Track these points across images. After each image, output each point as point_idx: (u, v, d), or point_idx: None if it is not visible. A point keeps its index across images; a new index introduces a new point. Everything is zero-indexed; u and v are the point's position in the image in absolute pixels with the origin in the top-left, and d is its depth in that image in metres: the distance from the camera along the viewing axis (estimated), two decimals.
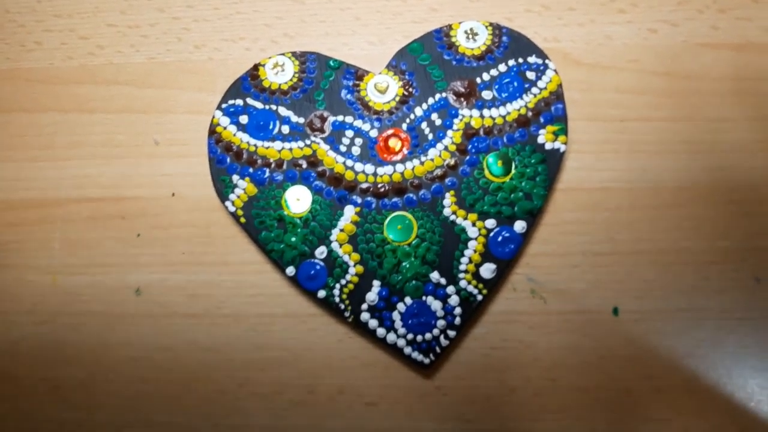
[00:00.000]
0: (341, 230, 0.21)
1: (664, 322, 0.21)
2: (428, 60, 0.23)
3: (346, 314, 0.21)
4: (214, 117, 0.23)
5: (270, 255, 0.21)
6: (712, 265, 0.21)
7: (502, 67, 0.22)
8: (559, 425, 0.20)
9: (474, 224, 0.21)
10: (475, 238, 0.21)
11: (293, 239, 0.21)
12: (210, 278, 0.23)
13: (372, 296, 0.21)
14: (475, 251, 0.21)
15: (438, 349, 0.20)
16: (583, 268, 0.22)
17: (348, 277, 0.21)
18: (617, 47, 0.24)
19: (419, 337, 0.20)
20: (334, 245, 0.21)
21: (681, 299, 0.21)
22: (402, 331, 0.20)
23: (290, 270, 0.21)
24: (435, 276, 0.21)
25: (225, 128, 0.22)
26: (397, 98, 0.22)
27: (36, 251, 0.23)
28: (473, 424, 0.21)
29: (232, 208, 0.22)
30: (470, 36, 0.23)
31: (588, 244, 0.22)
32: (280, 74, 0.23)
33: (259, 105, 0.23)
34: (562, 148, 0.21)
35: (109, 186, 0.24)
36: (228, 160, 0.22)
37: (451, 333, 0.20)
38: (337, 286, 0.21)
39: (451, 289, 0.21)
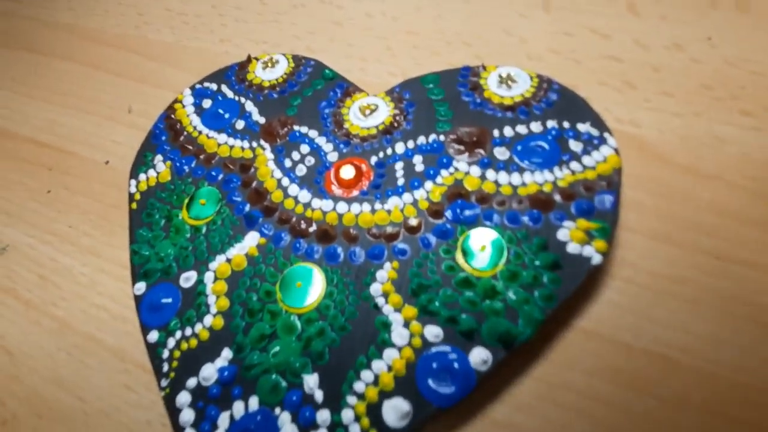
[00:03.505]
0: (227, 260, 0.15)
1: None
2: (440, 95, 0.17)
3: (164, 383, 0.13)
4: (181, 93, 0.20)
5: (131, 258, 0.15)
6: None
7: (536, 127, 0.15)
8: None
9: (407, 324, 0.13)
10: (399, 348, 0.12)
11: (168, 248, 0.15)
12: (71, 264, 0.17)
13: (209, 372, 0.13)
14: (389, 369, 0.12)
15: None
16: None
17: (198, 327, 0.14)
18: (731, 154, 0.15)
19: None
20: (208, 276, 0.14)
21: None
22: None
23: (139, 287, 0.15)
24: (311, 381, 0.12)
25: (184, 107, 0.19)
26: (382, 126, 0.17)
27: None
28: None
29: (133, 189, 0.17)
30: (505, 81, 0.17)
31: None
32: (269, 71, 0.19)
33: (229, 94, 0.19)
34: (597, 258, 0.13)
35: (62, 136, 0.22)
36: (165, 138, 0.18)
37: None
38: (178, 334, 0.13)
39: (324, 415, 0.12)
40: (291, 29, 0.24)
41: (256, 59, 0.20)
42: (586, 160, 0.14)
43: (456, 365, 0.12)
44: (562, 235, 0.13)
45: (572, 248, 0.13)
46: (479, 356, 0.12)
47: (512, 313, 0.12)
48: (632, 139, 0.16)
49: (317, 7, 0.24)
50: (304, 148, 0.17)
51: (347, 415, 0.12)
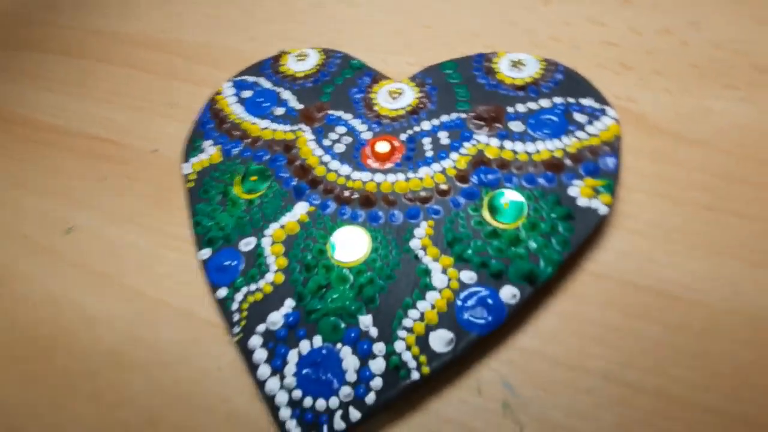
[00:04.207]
0: (282, 227, 0.17)
1: None
2: (458, 79, 0.19)
3: (236, 329, 0.15)
4: (221, 86, 0.22)
5: (195, 229, 0.17)
6: None
7: (545, 102, 0.18)
8: None
9: (445, 270, 0.15)
10: (440, 290, 0.14)
11: (227, 219, 0.17)
12: (134, 240, 0.19)
13: (276, 317, 0.15)
14: (433, 307, 0.14)
15: None
16: (599, 400, 0.13)
17: (261, 283, 0.16)
18: (719, 124, 0.18)
19: (308, 401, 0.13)
20: (266, 241, 0.16)
21: None
22: (290, 381, 0.14)
23: (205, 252, 0.17)
24: (366, 321, 0.14)
25: (225, 97, 0.21)
26: (409, 107, 0.19)
27: (18, 169, 0.23)
28: None
29: (188, 170, 0.19)
30: (516, 65, 0.19)
31: (618, 365, 0.14)
32: (301, 63, 0.21)
33: (267, 85, 0.21)
34: (603, 210, 0.15)
35: (116, 131, 0.24)
36: (211, 125, 0.20)
37: (354, 415, 0.13)
38: (244, 289, 0.16)
39: (379, 347, 0.14)
40: (314, 27, 0.26)
41: (288, 53, 0.22)
42: (590, 129, 0.17)
43: (489, 301, 0.14)
44: (572, 191, 0.15)
45: (582, 202, 0.15)
46: (509, 293, 0.14)
47: (534, 257, 0.14)
48: (629, 114, 0.19)
49: (335, 6, 0.27)
50: (341, 129, 0.19)
51: (399, 345, 0.14)
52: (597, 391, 0.13)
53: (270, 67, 0.22)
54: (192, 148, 0.20)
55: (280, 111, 0.20)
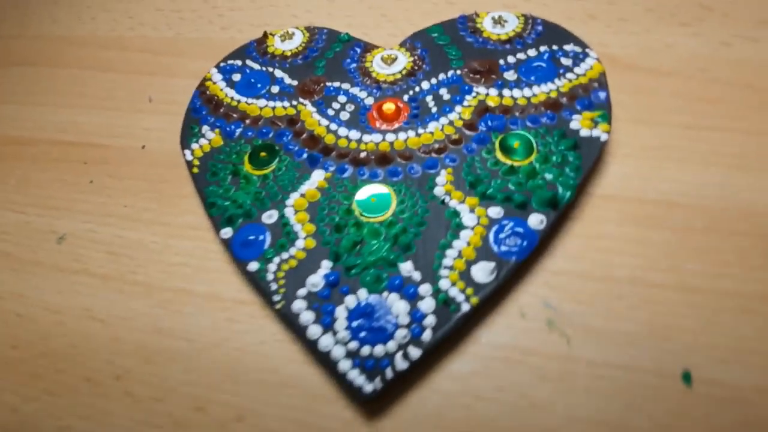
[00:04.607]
0: (301, 195, 0.17)
1: (762, 407, 0.12)
2: (447, 40, 0.20)
3: (276, 298, 0.15)
4: (208, 72, 0.21)
5: (209, 211, 0.17)
6: None
7: (532, 52, 0.19)
8: None
9: (473, 210, 0.15)
10: (472, 227, 0.15)
11: (242, 196, 0.17)
12: (139, 237, 0.18)
13: (316, 279, 0.15)
14: (468, 243, 0.15)
15: (390, 374, 0.13)
16: (630, 302, 0.14)
17: (292, 251, 0.16)
18: (681, 55, 0.20)
19: (366, 349, 0.13)
20: (288, 210, 0.16)
21: None
22: (344, 334, 0.14)
23: (226, 232, 0.16)
24: (407, 267, 0.15)
25: (215, 83, 0.21)
26: (404, 71, 0.19)
27: None
28: None
29: (189, 157, 0.18)
30: (498, 22, 0.20)
31: (641, 269, 0.15)
32: (287, 42, 0.21)
33: (256, 66, 0.21)
34: (603, 136, 0.16)
35: (88, 132, 0.22)
36: (205, 111, 0.20)
37: (414, 353, 0.13)
38: (276, 260, 0.15)
39: (425, 288, 0.14)
40: (287, 10, 0.26)
41: (273, 34, 0.22)
42: (577, 70, 0.18)
43: (520, 229, 0.15)
44: (574, 125, 0.17)
45: (584, 132, 0.16)
46: (536, 219, 0.15)
47: (552, 185, 0.15)
48: (603, 56, 0.20)
49: None
50: (342, 98, 0.19)
51: (444, 283, 0.14)
52: (627, 296, 0.15)
53: (255, 49, 0.22)
54: (189, 134, 0.19)
55: (275, 89, 0.20)
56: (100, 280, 0.18)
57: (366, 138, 0.18)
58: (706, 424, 0.12)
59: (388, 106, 0.18)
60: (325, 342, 0.14)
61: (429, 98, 0.18)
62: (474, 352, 0.14)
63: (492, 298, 0.14)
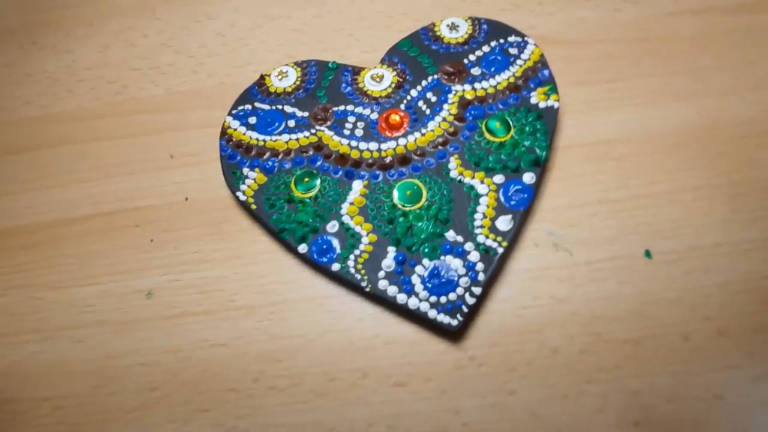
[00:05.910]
0: (351, 203, 0.21)
1: (703, 258, 0.20)
2: (417, 52, 0.25)
3: (363, 284, 0.20)
4: (225, 121, 0.24)
5: (281, 235, 0.21)
6: (740, 197, 0.20)
7: (486, 48, 0.24)
8: (620, 384, 0.18)
9: (482, 181, 0.21)
10: (486, 194, 0.21)
11: (304, 217, 0.21)
12: (221, 273, 0.22)
13: (388, 262, 0.20)
14: (488, 206, 0.20)
15: (465, 309, 0.19)
16: (602, 216, 0.21)
17: (361, 247, 0.20)
18: (590, 26, 0.26)
19: (443, 298, 0.19)
20: (345, 218, 0.21)
21: (715, 234, 0.20)
22: (424, 294, 0.19)
23: (302, 247, 0.21)
24: (451, 234, 0.20)
25: (235, 129, 0.24)
26: (393, 85, 0.24)
27: (46, 269, 0.23)
28: (519, 396, 0.18)
29: (243, 198, 0.22)
30: (452, 28, 0.25)
31: (602, 192, 0.21)
32: (284, 80, 0.25)
33: (266, 107, 0.24)
34: (556, 105, 0.22)
35: (125, 199, 0.25)
36: (238, 156, 0.23)
37: (476, 290, 0.19)
38: (351, 257, 0.20)
39: (469, 245, 0.20)
40: (261, 47, 0.29)
41: (268, 75, 0.25)
42: (523, 56, 0.24)
43: (518, 186, 0.20)
44: (533, 100, 0.22)
45: (542, 104, 0.22)
46: (528, 177, 0.21)
47: (531, 149, 0.21)
48: (534, 37, 0.26)
49: (270, 24, 0.30)
50: (351, 118, 0.23)
51: (481, 238, 0.20)
52: (599, 213, 0.21)
53: (258, 92, 0.25)
54: (233, 179, 0.23)
55: (291, 123, 0.24)
56: (204, 315, 0.21)
57: (383, 146, 0.22)
58: (668, 280, 0.19)
59: (394, 117, 0.23)
60: (413, 302, 0.19)
61: (421, 103, 0.23)
62: (512, 279, 0.20)
63: (514, 239, 0.20)
